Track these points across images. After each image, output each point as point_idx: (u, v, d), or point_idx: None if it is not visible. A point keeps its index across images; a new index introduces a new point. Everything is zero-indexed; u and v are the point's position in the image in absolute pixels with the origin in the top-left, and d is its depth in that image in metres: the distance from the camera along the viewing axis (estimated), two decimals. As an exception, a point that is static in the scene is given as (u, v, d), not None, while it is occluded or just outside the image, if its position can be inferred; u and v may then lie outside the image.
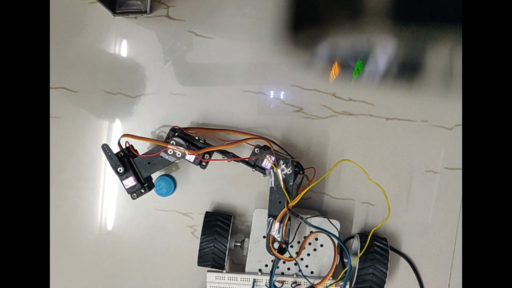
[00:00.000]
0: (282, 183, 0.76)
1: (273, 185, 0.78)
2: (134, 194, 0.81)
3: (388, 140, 0.91)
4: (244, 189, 0.92)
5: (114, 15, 0.87)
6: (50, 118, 0.91)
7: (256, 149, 0.79)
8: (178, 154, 0.79)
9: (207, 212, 0.89)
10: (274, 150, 0.78)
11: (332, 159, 0.91)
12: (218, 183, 0.92)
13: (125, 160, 0.80)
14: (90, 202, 0.94)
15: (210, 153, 0.80)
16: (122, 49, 0.90)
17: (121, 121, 0.91)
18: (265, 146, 0.80)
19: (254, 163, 0.79)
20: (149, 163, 0.81)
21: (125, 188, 0.80)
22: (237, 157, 0.80)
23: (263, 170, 0.79)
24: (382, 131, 0.91)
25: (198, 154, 0.78)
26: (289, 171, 0.77)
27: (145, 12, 0.87)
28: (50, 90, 0.90)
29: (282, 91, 0.90)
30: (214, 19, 0.88)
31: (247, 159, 0.80)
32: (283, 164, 0.77)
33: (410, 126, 0.91)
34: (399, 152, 0.91)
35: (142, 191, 0.81)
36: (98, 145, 0.91)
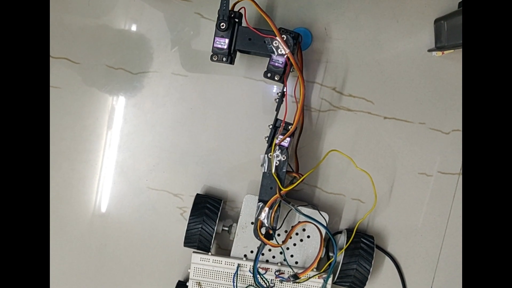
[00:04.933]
0: (273, 169, 0.77)
1: (266, 171, 0.78)
2: (215, 56, 0.78)
3: (384, 139, 0.91)
4: (237, 176, 0.92)
5: (122, -10, 0.87)
6: (50, 88, 0.91)
7: (289, 127, 0.79)
8: (280, 51, 0.76)
9: (197, 194, 0.89)
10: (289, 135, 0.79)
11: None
12: (212, 166, 0.92)
13: (231, 22, 0.77)
14: (83, 175, 0.94)
15: (287, 75, 0.79)
16: (128, 25, 0.90)
17: (120, 96, 0.91)
18: (290, 127, 0.80)
19: (275, 124, 0.80)
20: (250, 39, 0.78)
21: (212, 45, 0.77)
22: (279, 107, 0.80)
23: (271, 138, 0.79)
24: (379, 130, 0.91)
25: (290, 65, 0.76)
26: (283, 158, 0.77)
27: (154, -11, 0.87)
28: (52, 59, 0.90)
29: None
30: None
31: (280, 119, 0.80)
32: (278, 150, 0.77)
33: (407, 127, 0.91)
34: (393, 151, 0.91)
35: (224, 59, 0.78)
36: (95, 118, 0.92)
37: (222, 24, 0.76)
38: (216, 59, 0.78)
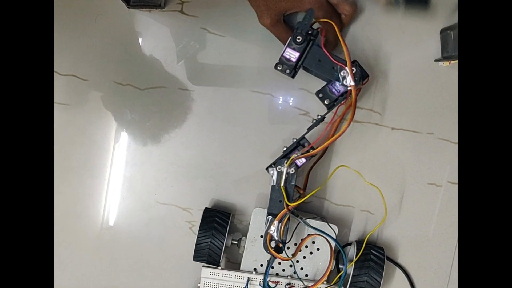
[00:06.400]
0: (282, 182, 0.77)
1: (275, 184, 0.78)
2: (280, 65, 0.76)
3: (392, 150, 0.91)
4: (246, 188, 0.92)
5: (128, 7, 0.88)
6: (59, 105, 0.92)
7: (311, 150, 0.79)
8: (345, 82, 0.75)
9: (206, 208, 0.89)
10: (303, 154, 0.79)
11: (335, 166, 0.91)
12: (220, 180, 0.92)
13: (307, 38, 0.76)
14: (92, 191, 0.94)
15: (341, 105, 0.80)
16: (134, 41, 0.91)
17: (129, 113, 0.92)
18: (310, 146, 0.80)
19: (299, 141, 0.80)
20: (319, 60, 0.77)
21: (281, 54, 0.76)
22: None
23: (289, 152, 0.80)
24: (387, 141, 0.91)
25: (348, 96, 0.76)
26: (292, 171, 0.77)
27: (160, 6, 0.88)
28: (60, 77, 0.91)
29: (290, 94, 0.91)
30: (227, 17, 0.89)
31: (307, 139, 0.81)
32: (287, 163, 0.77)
33: (416, 137, 0.91)
34: (402, 162, 0.91)
35: (288, 71, 0.77)
36: (104, 134, 0.93)
37: (298, 37, 0.75)
38: (280, 68, 0.77)
